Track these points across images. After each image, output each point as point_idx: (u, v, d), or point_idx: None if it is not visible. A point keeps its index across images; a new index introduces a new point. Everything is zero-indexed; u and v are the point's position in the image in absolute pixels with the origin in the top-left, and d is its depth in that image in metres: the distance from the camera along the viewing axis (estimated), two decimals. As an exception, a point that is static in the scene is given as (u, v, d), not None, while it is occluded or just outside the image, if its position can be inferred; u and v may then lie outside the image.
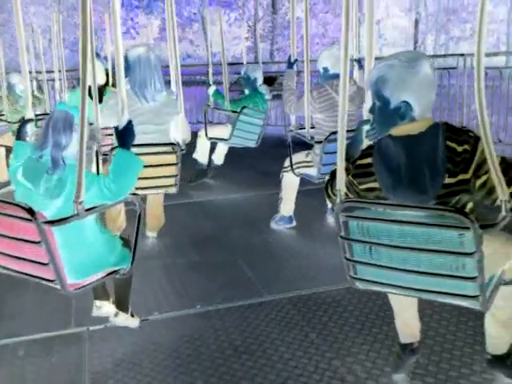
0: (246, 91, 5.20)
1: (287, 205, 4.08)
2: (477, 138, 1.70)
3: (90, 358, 2.52)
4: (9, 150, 4.72)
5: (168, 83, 3.44)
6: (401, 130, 1.78)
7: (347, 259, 1.89)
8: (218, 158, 5.53)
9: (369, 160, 1.83)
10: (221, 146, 5.46)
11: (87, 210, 1.99)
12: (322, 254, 3.60)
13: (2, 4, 16.90)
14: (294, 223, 4.11)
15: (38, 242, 1.95)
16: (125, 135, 2.22)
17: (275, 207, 4.13)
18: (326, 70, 3.79)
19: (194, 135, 4.93)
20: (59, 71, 4.83)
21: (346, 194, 1.86)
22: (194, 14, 23.83)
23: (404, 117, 1.78)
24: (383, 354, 2.44)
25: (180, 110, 3.29)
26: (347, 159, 1.83)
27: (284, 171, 4.04)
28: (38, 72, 5.54)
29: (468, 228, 1.58)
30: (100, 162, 3.44)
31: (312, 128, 3.73)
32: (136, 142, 2.28)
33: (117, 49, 2.28)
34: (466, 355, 2.37)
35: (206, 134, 5.05)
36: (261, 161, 6.04)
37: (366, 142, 2.04)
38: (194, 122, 7.91)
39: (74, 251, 2.13)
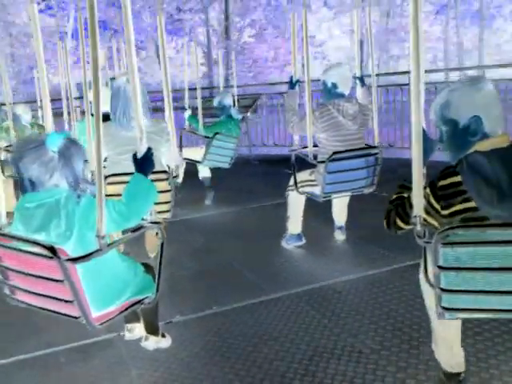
0: (221, 117, 5.59)
1: (295, 223, 4.11)
2: None
3: (129, 359, 2.77)
4: (16, 181, 4.82)
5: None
6: (486, 145, 1.76)
7: (442, 290, 1.78)
8: (203, 173, 5.85)
9: (455, 179, 1.74)
10: (201, 167, 5.77)
11: (109, 244, 1.96)
12: (310, 257, 3.98)
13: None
14: (304, 241, 4.15)
15: (61, 281, 1.91)
16: (143, 163, 2.22)
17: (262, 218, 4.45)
18: (334, 86, 3.79)
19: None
20: (67, 99, 4.88)
21: (425, 220, 1.79)
22: (141, 41, 24.20)
23: (476, 133, 1.79)
24: (388, 328, 2.81)
25: (171, 137, 3.35)
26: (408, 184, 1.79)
27: (289, 190, 4.06)
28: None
29: None
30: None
31: (315, 147, 3.77)
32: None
33: (132, 77, 2.18)
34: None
35: (181, 154, 5.25)
36: (239, 179, 6.41)
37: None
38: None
39: (95, 281, 2.09)
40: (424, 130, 1.73)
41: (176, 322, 3.09)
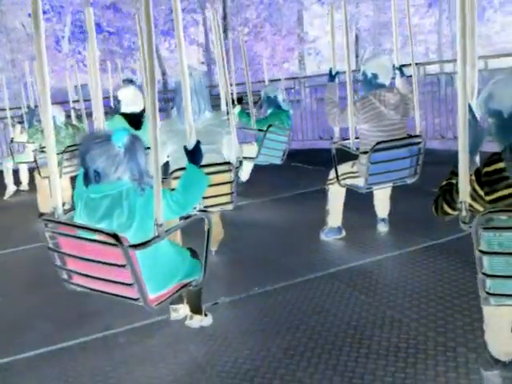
0: (269, 110, 5.47)
1: (335, 216, 4.10)
2: None
3: (185, 336, 2.95)
4: (72, 177, 4.92)
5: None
6: None
7: (485, 274, 1.79)
8: (245, 175, 5.83)
9: (500, 165, 1.78)
10: (246, 164, 5.70)
11: (166, 231, 2.11)
12: (341, 242, 4.18)
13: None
14: (344, 233, 4.15)
15: (124, 266, 2.04)
16: (194, 154, 2.37)
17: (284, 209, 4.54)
18: (375, 76, 3.80)
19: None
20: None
21: (471, 206, 1.83)
22: (134, 43, 24.31)
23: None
24: (423, 300, 3.06)
25: (231, 129, 3.49)
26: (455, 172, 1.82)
27: (329, 183, 4.04)
28: (75, 101, 5.73)
29: None
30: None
31: (356, 138, 3.78)
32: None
33: (183, 73, 2.38)
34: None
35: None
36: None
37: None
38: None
39: (151, 266, 2.21)
40: (475, 118, 1.87)
41: (222, 303, 3.31)
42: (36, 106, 5.45)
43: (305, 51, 21.83)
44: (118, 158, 2.15)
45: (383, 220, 4.27)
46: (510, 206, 1.76)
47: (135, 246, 2.04)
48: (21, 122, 5.75)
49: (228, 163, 3.41)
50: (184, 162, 2.39)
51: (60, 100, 7.80)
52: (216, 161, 3.38)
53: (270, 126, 5.07)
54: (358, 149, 3.77)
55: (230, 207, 3.51)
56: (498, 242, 1.74)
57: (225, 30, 17.79)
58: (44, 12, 22.49)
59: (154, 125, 2.04)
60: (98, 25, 21.49)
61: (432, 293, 3.13)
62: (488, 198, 1.81)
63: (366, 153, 3.63)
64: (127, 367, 2.70)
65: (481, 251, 1.76)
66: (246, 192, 5.70)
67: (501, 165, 1.78)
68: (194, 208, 2.42)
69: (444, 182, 2.00)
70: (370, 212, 4.32)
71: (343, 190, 3.99)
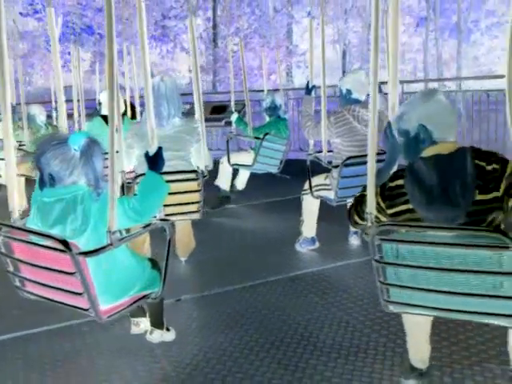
0: (268, 118, 5.44)
1: (309, 226, 4.16)
2: (505, 159, 1.84)
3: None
4: (28, 179, 4.95)
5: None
6: (431, 151, 1.88)
7: (382, 283, 1.90)
8: (241, 183, 5.81)
9: (400, 182, 1.90)
10: (243, 172, 5.70)
11: (120, 239, 2.04)
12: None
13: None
14: (318, 244, 4.21)
15: (73, 273, 1.98)
16: (155, 160, 2.32)
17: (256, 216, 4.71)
18: (349, 92, 3.88)
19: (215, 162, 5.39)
20: (78, 101, 5.00)
21: (377, 217, 1.91)
22: (126, 46, 24.47)
23: (424, 141, 1.92)
24: (367, 300, 3.26)
25: (201, 137, 3.44)
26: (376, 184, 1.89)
27: (304, 194, 4.11)
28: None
29: (507, 247, 1.61)
30: (125, 189, 3.53)
31: (330, 152, 3.86)
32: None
33: (146, 78, 2.37)
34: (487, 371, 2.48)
35: (229, 160, 5.27)
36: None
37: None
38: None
39: (105, 276, 2.15)
40: (393, 135, 2.01)
41: (184, 299, 3.48)
42: (18, 104, 5.57)
43: (294, 64, 22.18)
44: (72, 161, 2.09)
45: (356, 233, 4.32)
46: (407, 221, 1.89)
47: (85, 254, 1.96)
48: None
49: (195, 171, 3.38)
50: None
51: (47, 99, 7.89)
52: (183, 168, 3.37)
53: (266, 134, 5.06)
54: (330, 162, 3.83)
55: (196, 216, 3.46)
56: (398, 253, 1.84)
57: (214, 39, 18.02)
58: (35, 11, 22.60)
59: (111, 130, 1.96)
60: (89, 27, 21.64)
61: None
62: (389, 212, 1.94)
63: (337, 166, 3.70)
64: (88, 355, 2.86)
65: (376, 261, 1.88)
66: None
67: (401, 181, 1.90)
68: (154, 217, 2.35)
69: (358, 194, 2.10)
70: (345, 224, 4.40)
71: (317, 202, 4.06)
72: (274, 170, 5.36)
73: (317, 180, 3.98)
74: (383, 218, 1.96)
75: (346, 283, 3.61)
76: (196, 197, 3.38)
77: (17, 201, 2.23)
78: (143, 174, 3.00)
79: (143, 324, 2.83)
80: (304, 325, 3.03)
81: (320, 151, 3.88)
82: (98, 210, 2.08)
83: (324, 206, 4.13)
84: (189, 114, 8.02)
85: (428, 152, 1.89)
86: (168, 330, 2.83)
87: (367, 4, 22.44)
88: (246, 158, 5.31)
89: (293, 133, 10.20)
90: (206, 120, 8.29)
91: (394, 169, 2.11)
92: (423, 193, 1.81)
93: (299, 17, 24.00)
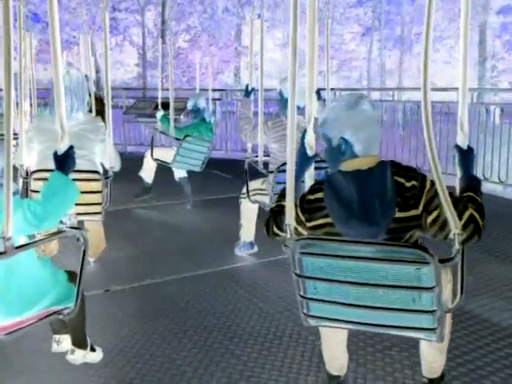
0: (192, 120, 5.56)
1: (247, 231, 4.14)
2: (424, 175, 1.82)
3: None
4: None
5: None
6: (350, 165, 1.85)
7: (302, 297, 1.88)
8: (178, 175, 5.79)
9: (319, 195, 1.86)
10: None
11: (17, 247, 1.78)
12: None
13: None
14: (256, 249, 4.19)
15: None
16: (64, 160, 2.04)
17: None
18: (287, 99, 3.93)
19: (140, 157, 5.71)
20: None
21: (296, 229, 1.87)
22: (74, 37, 23.97)
23: (344, 153, 1.87)
24: (288, 294, 3.33)
25: (107, 137, 3.30)
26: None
27: (241, 197, 4.07)
28: None
29: (427, 263, 1.63)
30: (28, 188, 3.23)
31: (267, 156, 3.82)
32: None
33: (56, 71, 1.97)
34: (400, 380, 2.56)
35: (152, 154, 5.45)
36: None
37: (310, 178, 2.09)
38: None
39: (4, 287, 1.95)
40: (304, 146, 1.99)
41: (113, 290, 3.60)
42: None
43: (243, 65, 22.41)
44: None
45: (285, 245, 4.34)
46: (327, 235, 1.86)
47: None
48: None
49: (97, 172, 3.27)
50: (51, 163, 2.08)
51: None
52: (85, 168, 3.17)
53: (186, 135, 5.20)
54: (266, 167, 3.81)
55: (98, 218, 3.35)
56: (314, 266, 1.81)
57: (162, 35, 17.99)
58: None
59: (7, 123, 1.70)
60: (35, 15, 21.08)
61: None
62: (308, 225, 1.90)
63: (272, 172, 3.66)
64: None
65: (296, 274, 1.84)
66: (157, 193, 5.96)
67: (320, 194, 1.86)
68: (63, 223, 2.10)
69: (274, 205, 2.07)
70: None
71: (255, 206, 4.02)
72: (197, 169, 5.51)
73: (254, 184, 3.96)
74: (301, 230, 1.92)
75: (273, 278, 3.81)
76: (98, 198, 3.25)
77: None
78: (41, 170, 3.02)
79: (66, 342, 2.54)
80: (227, 314, 3.22)
81: (257, 155, 3.85)
82: None
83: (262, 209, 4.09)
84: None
85: (347, 166, 1.86)
86: (93, 349, 2.57)
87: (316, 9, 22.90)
88: (168, 154, 5.42)
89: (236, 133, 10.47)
90: (149, 116, 8.31)
91: (308, 182, 2.07)
92: (342, 208, 1.79)
93: (249, 18, 24.27)
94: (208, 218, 5.37)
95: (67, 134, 2.05)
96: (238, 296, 3.49)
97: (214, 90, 11.11)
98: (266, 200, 3.82)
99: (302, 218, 1.91)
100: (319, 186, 1.90)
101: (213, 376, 2.58)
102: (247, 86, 4.12)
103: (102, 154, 3.37)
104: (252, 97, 4.12)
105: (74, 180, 2.13)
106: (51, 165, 2.08)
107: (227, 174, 7.50)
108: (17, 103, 3.27)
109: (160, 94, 5.95)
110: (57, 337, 2.54)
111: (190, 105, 5.58)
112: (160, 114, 5.65)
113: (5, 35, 1.65)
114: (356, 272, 1.74)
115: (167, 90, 6.04)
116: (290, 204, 1.81)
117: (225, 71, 21.08)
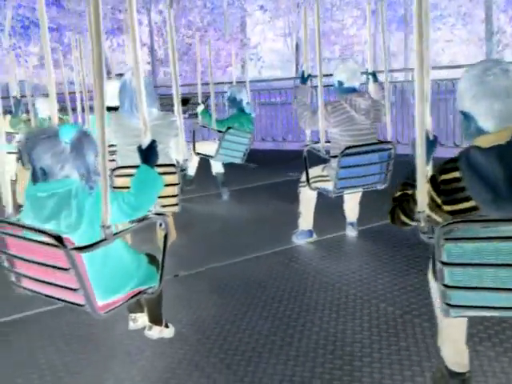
0: (232, 111, 5.69)
1: (306, 219, 4.16)
2: None
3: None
4: None
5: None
6: (486, 140, 1.69)
7: (446, 286, 1.76)
8: (191, 169, 5.96)
9: (456, 174, 1.71)
10: (193, 160, 5.87)
11: (115, 233, 1.99)
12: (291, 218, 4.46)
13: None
14: (315, 236, 4.23)
15: (68, 269, 1.94)
16: (148, 154, 2.24)
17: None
18: (340, 83, 3.85)
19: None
20: (80, 92, 4.89)
21: (429, 216, 1.76)
22: (76, 40, 24.09)
23: (469, 127, 1.76)
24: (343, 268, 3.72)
25: (180, 131, 3.42)
26: (413, 180, 1.74)
27: (301, 186, 4.07)
28: (23, 96, 5.66)
29: None
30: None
31: (328, 142, 3.79)
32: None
33: (136, 70, 2.15)
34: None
35: (194, 149, 5.58)
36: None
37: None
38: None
39: (101, 271, 2.14)
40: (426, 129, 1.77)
41: (182, 275, 3.82)
42: (22, 96, 5.52)
43: (246, 56, 22.52)
44: (63, 155, 2.06)
45: (351, 224, 4.35)
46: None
47: (79, 249, 1.93)
48: (10, 112, 5.69)
49: (173, 165, 3.39)
50: (130, 160, 2.24)
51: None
52: (161, 162, 3.19)
53: (228, 128, 5.24)
54: (328, 152, 3.81)
55: (175, 209, 3.47)
56: (460, 252, 1.70)
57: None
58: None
59: (101, 122, 1.87)
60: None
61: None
62: (447, 208, 1.76)
63: (336, 156, 3.69)
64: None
65: (443, 263, 1.72)
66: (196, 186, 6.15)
67: (457, 174, 1.71)
68: (150, 211, 2.31)
69: (398, 193, 1.99)
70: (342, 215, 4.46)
71: (314, 194, 4.04)
72: (238, 161, 5.59)
73: (314, 171, 3.94)
74: (435, 216, 1.80)
75: (329, 255, 3.99)
76: (174, 190, 3.39)
77: (10, 195, 2.25)
78: (123, 167, 3.20)
79: (141, 320, 2.82)
80: (296, 289, 3.43)
81: (317, 142, 3.82)
82: (92, 204, 2.06)
83: (320, 197, 4.15)
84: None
85: (483, 141, 1.70)
86: (167, 326, 2.82)
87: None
88: (210, 148, 5.53)
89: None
90: (183, 112, 8.44)
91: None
92: (488, 188, 1.64)
93: (251, 10, 24.36)
94: (246, 206, 5.58)
95: (149, 130, 2.23)
96: (300, 272, 3.70)
97: (225, 83, 11.21)
98: (328, 186, 3.82)
99: (438, 200, 1.77)
100: (453, 164, 1.74)
101: (301, 342, 2.79)
102: (303, 73, 4.09)
103: (175, 147, 3.51)
104: (309, 83, 4.09)
105: None
106: (130, 162, 2.25)
107: (255, 164, 7.68)
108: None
109: (177, 91, 5.98)
110: (133, 315, 2.83)
111: (227, 94, 5.71)
112: (200, 108, 5.70)
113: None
114: (506, 253, 1.64)
115: (183, 86, 5.94)
116: (422, 190, 1.72)
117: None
